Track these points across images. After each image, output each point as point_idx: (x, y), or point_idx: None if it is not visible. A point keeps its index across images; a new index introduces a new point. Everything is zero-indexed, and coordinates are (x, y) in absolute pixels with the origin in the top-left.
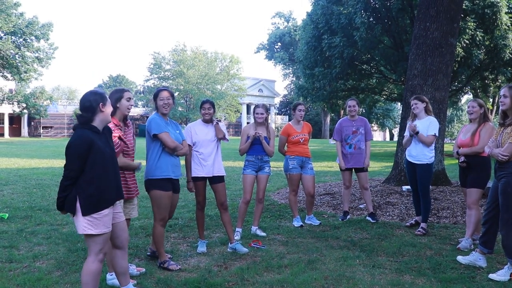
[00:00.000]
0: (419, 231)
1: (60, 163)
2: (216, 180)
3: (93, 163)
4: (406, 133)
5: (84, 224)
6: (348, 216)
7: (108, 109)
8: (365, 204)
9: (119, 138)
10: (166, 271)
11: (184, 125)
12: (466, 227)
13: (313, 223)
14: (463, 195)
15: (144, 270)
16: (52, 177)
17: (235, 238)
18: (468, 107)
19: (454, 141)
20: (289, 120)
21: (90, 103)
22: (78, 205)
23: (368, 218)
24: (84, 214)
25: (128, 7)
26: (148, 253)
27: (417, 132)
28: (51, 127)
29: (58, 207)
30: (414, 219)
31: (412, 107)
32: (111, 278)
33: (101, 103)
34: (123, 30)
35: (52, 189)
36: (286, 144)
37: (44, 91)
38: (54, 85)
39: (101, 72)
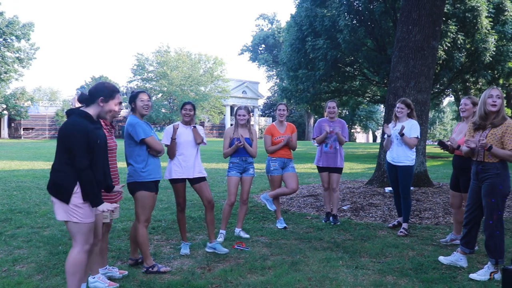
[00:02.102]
0: (401, 231)
1: (42, 165)
2: (198, 180)
3: (92, 151)
4: (385, 135)
5: (71, 212)
6: (331, 218)
7: (108, 106)
8: (348, 205)
9: None
10: (148, 273)
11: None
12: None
13: (268, 207)
14: (450, 197)
15: (126, 272)
16: (32, 179)
17: (219, 240)
18: (461, 104)
19: (435, 143)
20: (273, 121)
21: (91, 93)
22: (74, 192)
23: (330, 218)
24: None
25: (111, 7)
26: (130, 263)
27: (403, 134)
28: (32, 129)
29: (96, 202)
30: (396, 220)
31: (396, 110)
32: (93, 281)
33: (101, 97)
34: (106, 31)
35: (33, 191)
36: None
37: (25, 92)
38: (36, 86)
39: (83, 73)
